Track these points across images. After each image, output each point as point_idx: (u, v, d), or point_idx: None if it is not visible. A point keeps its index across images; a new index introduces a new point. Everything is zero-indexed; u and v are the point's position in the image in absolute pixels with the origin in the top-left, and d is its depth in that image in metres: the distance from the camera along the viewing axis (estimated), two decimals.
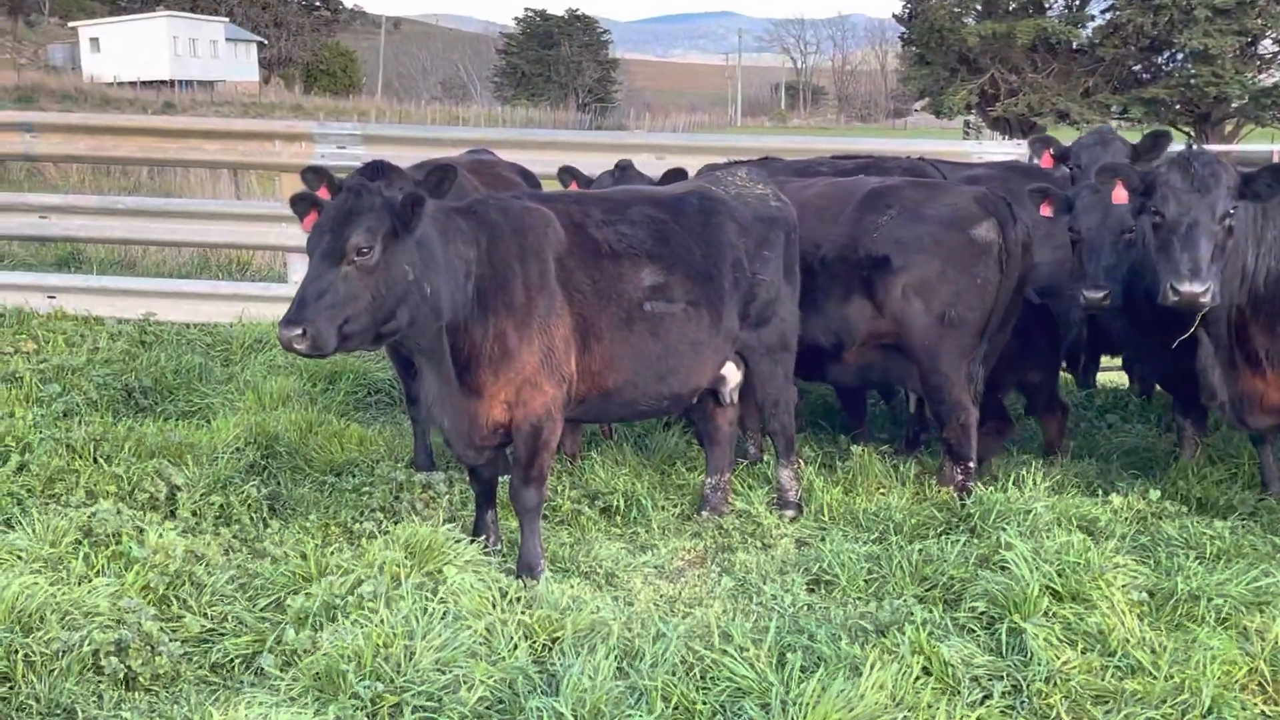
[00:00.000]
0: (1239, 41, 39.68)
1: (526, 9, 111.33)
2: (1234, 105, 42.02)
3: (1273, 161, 7.53)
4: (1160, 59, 45.22)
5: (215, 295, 12.28)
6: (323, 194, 7.32)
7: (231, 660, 5.57)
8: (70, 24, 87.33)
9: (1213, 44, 39.39)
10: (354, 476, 7.86)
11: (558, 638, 5.64)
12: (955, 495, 7.63)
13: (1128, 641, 5.55)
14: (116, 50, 77.63)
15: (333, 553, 6.38)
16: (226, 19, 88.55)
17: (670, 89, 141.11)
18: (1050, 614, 5.81)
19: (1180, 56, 42.82)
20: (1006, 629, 5.71)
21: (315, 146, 12.04)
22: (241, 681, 5.39)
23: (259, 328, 11.40)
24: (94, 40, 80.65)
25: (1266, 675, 5.35)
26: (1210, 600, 5.96)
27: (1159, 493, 7.52)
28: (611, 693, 5.02)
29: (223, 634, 5.78)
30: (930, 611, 6.00)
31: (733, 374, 7.44)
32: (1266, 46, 42.97)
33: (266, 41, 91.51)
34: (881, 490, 7.88)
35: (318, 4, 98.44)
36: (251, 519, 7.25)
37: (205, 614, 5.92)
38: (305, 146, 12.07)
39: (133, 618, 5.57)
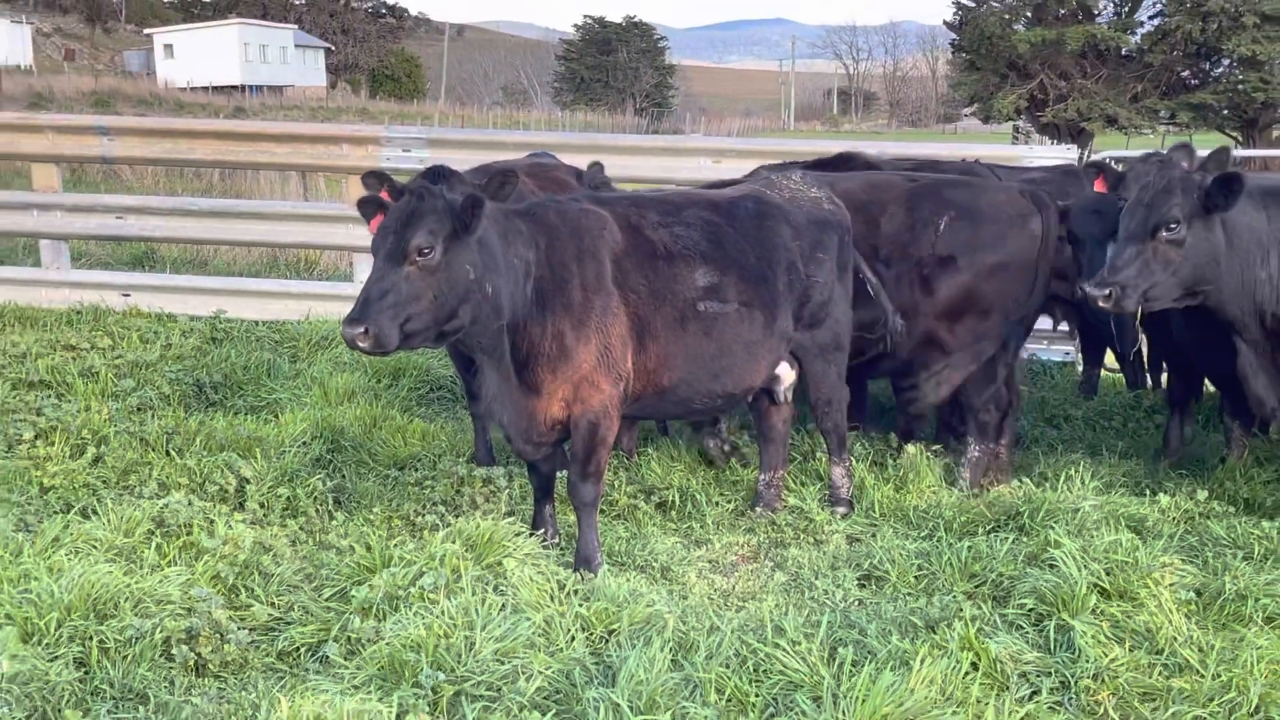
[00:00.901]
0: None
1: (585, 16, 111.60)
2: None
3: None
4: (1208, 65, 44.76)
5: (283, 294, 12.36)
6: (384, 197, 7.37)
7: (297, 648, 5.59)
8: (146, 31, 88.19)
9: (1261, 50, 38.97)
10: (416, 470, 7.90)
11: (614, 630, 5.63)
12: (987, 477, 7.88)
13: (1175, 640, 5.48)
14: (190, 56, 78.26)
15: (396, 545, 6.40)
16: (295, 26, 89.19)
17: (726, 94, 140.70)
18: (1098, 611, 5.74)
19: (1228, 62, 42.38)
20: (1055, 626, 5.65)
21: (381, 149, 12.08)
22: (307, 669, 5.41)
23: (325, 325, 11.47)
24: (168, 47, 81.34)
25: None
26: (1258, 600, 5.89)
27: (1206, 493, 7.43)
28: (667, 685, 5.00)
29: (289, 623, 5.81)
30: (979, 608, 5.95)
31: (787, 374, 7.41)
32: None
33: (334, 48, 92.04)
34: (932, 488, 7.82)
35: (383, 12, 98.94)
36: (317, 511, 7.28)
37: (272, 603, 5.96)
38: (372, 149, 12.12)
39: (203, 606, 5.61)
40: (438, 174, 7.46)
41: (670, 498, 7.61)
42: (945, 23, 51.40)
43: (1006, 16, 45.84)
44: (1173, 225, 6.44)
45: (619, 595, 5.91)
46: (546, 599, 5.87)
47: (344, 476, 7.88)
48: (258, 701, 5.01)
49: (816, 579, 6.53)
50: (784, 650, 5.32)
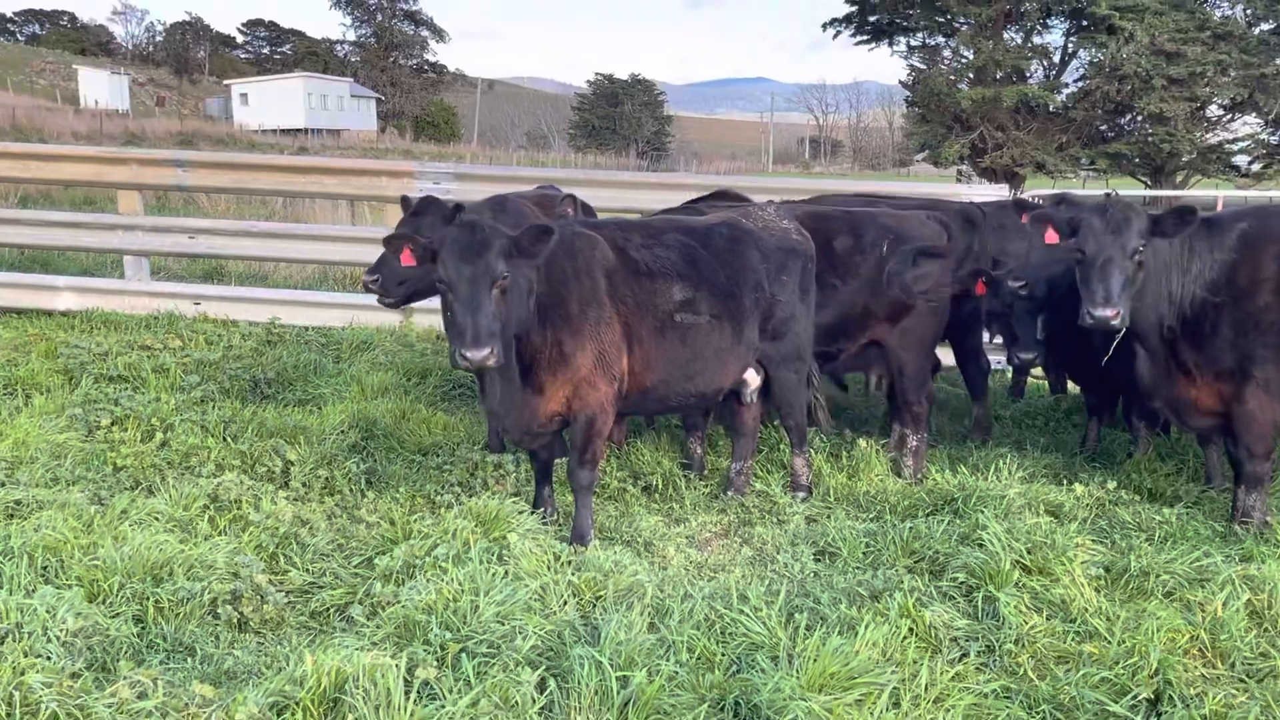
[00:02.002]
0: (1190, 106, 39.31)
1: (596, 73, 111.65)
2: (1184, 159, 41.73)
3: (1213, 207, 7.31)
4: (1123, 120, 44.83)
5: (331, 304, 12.20)
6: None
7: (328, 609, 5.47)
8: (225, 82, 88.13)
9: (1167, 108, 39.09)
10: (438, 456, 7.76)
11: (601, 596, 5.49)
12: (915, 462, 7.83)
13: (1086, 610, 5.35)
14: (261, 104, 78.26)
15: (415, 520, 6.27)
16: (351, 79, 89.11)
17: (714, 141, 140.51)
18: (1020, 585, 5.62)
19: (1140, 118, 42.44)
20: (982, 597, 5.51)
21: (415, 183, 11.94)
22: (334, 627, 5.29)
23: (365, 331, 11.34)
24: (243, 95, 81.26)
25: (1206, 642, 5.11)
26: (1158, 576, 5.75)
27: (1115, 483, 7.30)
28: (644, 645, 4.86)
29: (322, 587, 5.69)
30: (918, 581, 5.82)
31: (753, 378, 7.27)
32: (1213, 111, 42.58)
33: (383, 98, 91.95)
34: (880, 477, 7.69)
35: (426, 68, 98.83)
36: (351, 490, 7.16)
37: (308, 569, 5.84)
38: (407, 182, 11.97)
39: (246, 572, 5.50)
40: (428, 204, 7.39)
41: (655, 482, 7.48)
42: (901, 82, 51.31)
43: (953, 78, 45.95)
44: (1140, 249, 6.35)
45: (605, 566, 5.77)
46: (543, 569, 5.73)
47: (375, 460, 7.73)
48: (290, 655, 4.89)
49: (778, 554, 6.40)
50: (747, 615, 5.19)
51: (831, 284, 7.78)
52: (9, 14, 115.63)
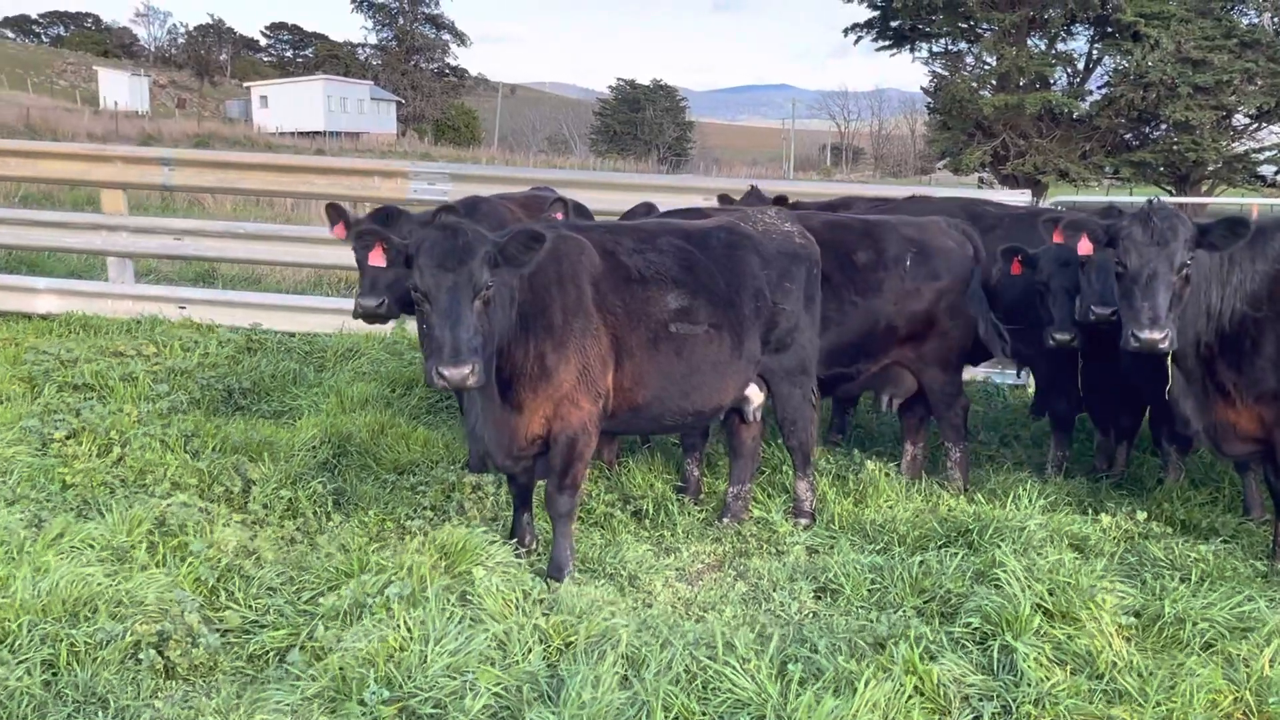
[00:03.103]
0: (1215, 115, 38.70)
1: (619, 78, 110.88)
2: (1209, 169, 41.10)
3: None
4: (1148, 128, 44.25)
5: (322, 309, 11.62)
6: (338, 231, 6.76)
7: (267, 652, 4.89)
8: (245, 84, 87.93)
9: (1193, 117, 38.47)
10: (414, 475, 7.19)
11: (571, 642, 4.89)
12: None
13: (1115, 665, 4.74)
14: (281, 106, 77.80)
15: (375, 550, 5.69)
16: (371, 82, 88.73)
17: (736, 147, 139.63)
18: (1041, 633, 5.01)
19: (1165, 126, 41.88)
20: (999, 647, 4.91)
21: (409, 183, 11.37)
22: (269, 677, 4.69)
23: (352, 338, 10.73)
24: (263, 98, 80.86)
25: (1251, 705, 4.51)
26: (1195, 624, 5.14)
27: (1146, 514, 6.67)
28: (613, 704, 4.29)
29: (264, 626, 5.10)
30: (928, 625, 5.22)
31: (756, 394, 6.68)
32: (1239, 119, 41.99)
33: (404, 101, 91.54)
34: (890, 503, 7.07)
35: (447, 72, 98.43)
36: (315, 513, 6.58)
37: (251, 606, 5.25)
38: (401, 183, 11.41)
39: (176, 609, 4.93)
40: (388, 214, 6.81)
41: (645, 506, 6.88)
42: (922, 88, 50.73)
43: (974, 85, 45.37)
44: (1188, 263, 5.77)
45: (578, 607, 5.18)
46: (511, 609, 5.14)
47: (346, 480, 7.15)
48: (219, 709, 4.32)
49: (774, 590, 5.79)
50: (733, 667, 4.61)
51: (852, 300, 7.19)
52: (34, 16, 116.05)
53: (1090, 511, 6.83)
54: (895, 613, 5.38)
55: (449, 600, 5.07)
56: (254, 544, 5.77)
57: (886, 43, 47.40)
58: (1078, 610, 5.17)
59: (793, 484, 7.01)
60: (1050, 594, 5.28)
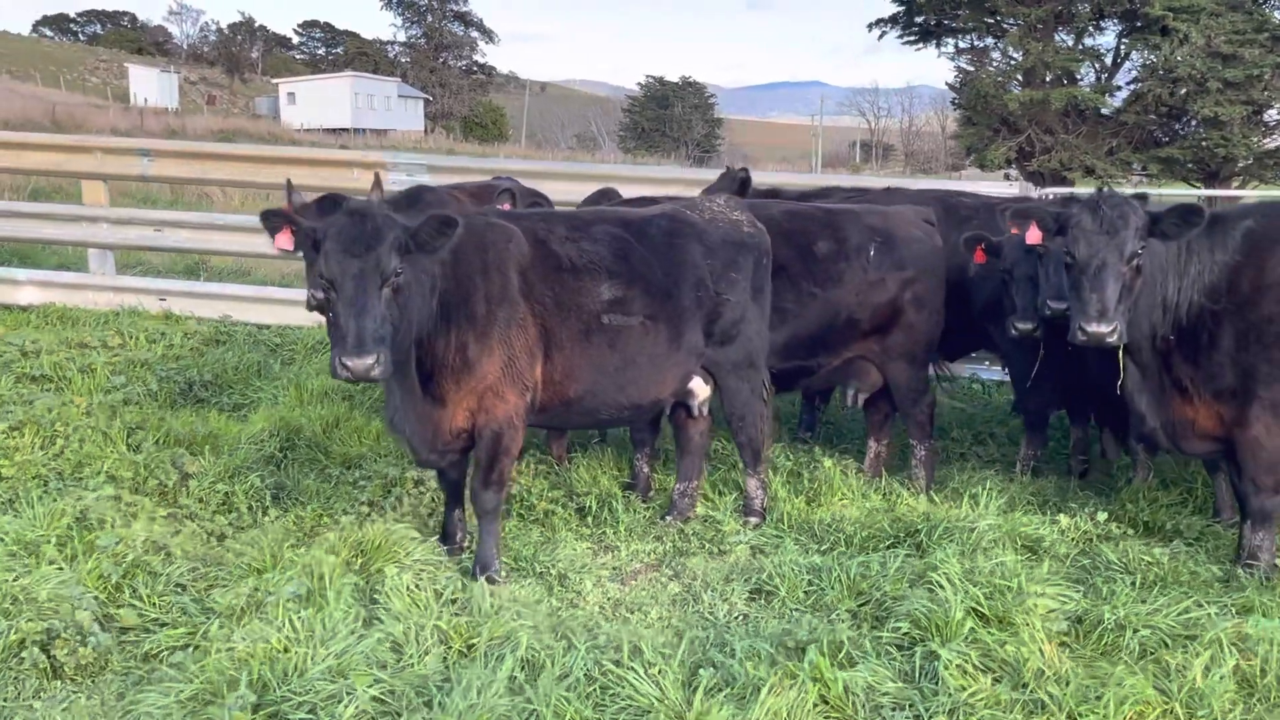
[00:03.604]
0: (1246, 110, 38.05)
1: (648, 75, 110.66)
2: (1240, 165, 40.45)
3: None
4: (1177, 124, 43.63)
5: (297, 301, 11.44)
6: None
7: (162, 651, 4.70)
8: (273, 81, 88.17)
9: (1223, 112, 37.86)
10: (360, 469, 7.01)
11: (474, 644, 4.68)
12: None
13: (1042, 674, 4.48)
14: (309, 103, 77.82)
15: (289, 547, 5.50)
16: (399, 79, 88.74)
17: (766, 144, 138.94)
18: (972, 639, 4.76)
19: (1194, 122, 41.25)
20: (923, 653, 4.67)
21: (388, 174, 11.17)
22: (156, 677, 4.50)
23: (323, 331, 10.56)
24: (291, 94, 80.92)
25: (1180, 717, 4.24)
26: (1136, 631, 4.87)
27: (1106, 514, 6.40)
28: (498, 710, 4.07)
29: (165, 624, 4.92)
30: (857, 629, 4.99)
31: (701, 388, 6.44)
32: (1271, 115, 41.30)
33: (432, 98, 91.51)
34: (844, 502, 6.82)
35: (475, 69, 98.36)
36: (251, 508, 6.40)
37: (156, 603, 5.07)
38: (380, 174, 11.20)
39: (68, 607, 4.74)
40: (333, 201, 6.61)
41: (589, 503, 6.66)
42: (947, 84, 50.15)
43: (1000, 80, 44.92)
44: (1139, 252, 5.51)
45: (483, 608, 4.97)
46: (419, 609, 4.93)
47: (289, 474, 6.98)
48: (96, 710, 4.15)
49: (706, 592, 5.56)
50: (637, 673, 4.38)
51: (810, 291, 6.95)
52: (72, 14, 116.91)
53: (1052, 511, 6.58)
54: (826, 616, 5.17)
55: (351, 600, 4.87)
56: (166, 540, 5.58)
57: (912, 38, 46.96)
58: (1014, 615, 4.92)
59: (743, 481, 6.78)
60: (988, 597, 5.04)
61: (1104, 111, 43.77)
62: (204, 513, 6.27)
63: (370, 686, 4.14)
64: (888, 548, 6.01)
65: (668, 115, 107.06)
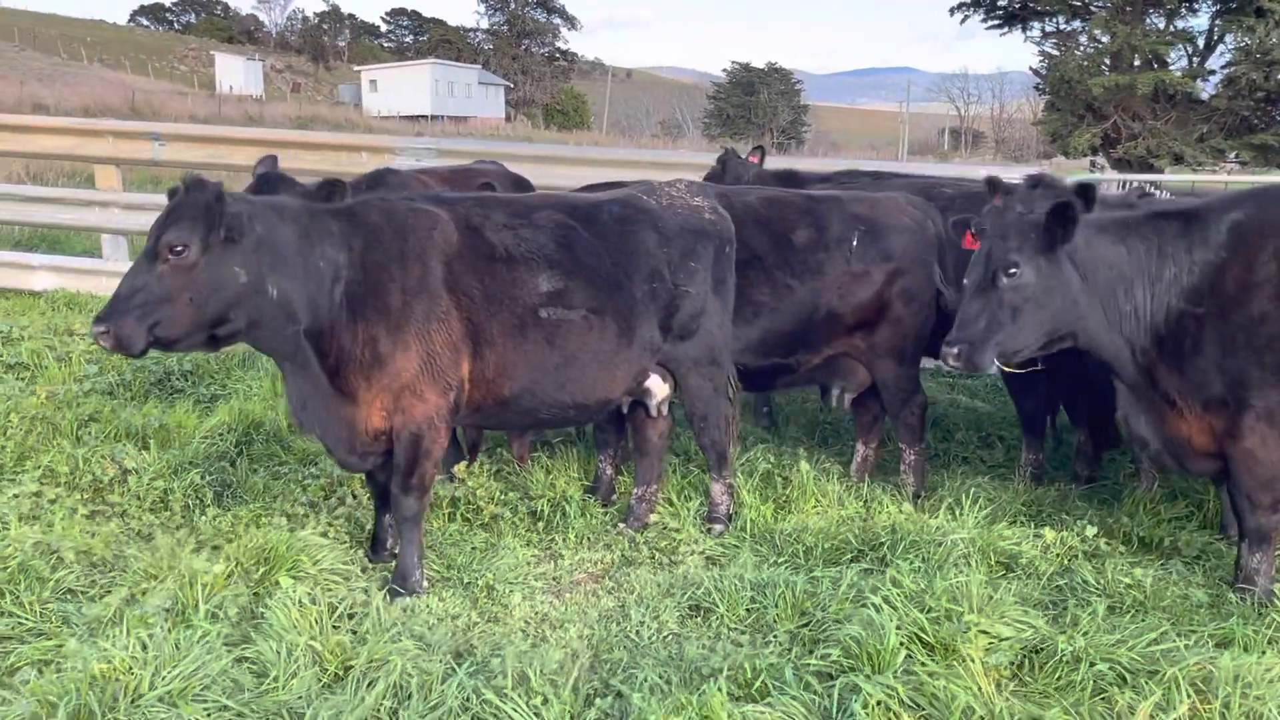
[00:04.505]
0: None
1: (733, 61, 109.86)
2: None
3: None
4: (1273, 109, 42.02)
5: None
6: None
7: (23, 665, 4.38)
8: (356, 68, 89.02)
9: None
10: (315, 467, 6.69)
11: (350, 667, 4.30)
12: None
13: (973, 713, 4.00)
14: (390, 90, 78.42)
15: (189, 552, 5.18)
16: (479, 66, 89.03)
17: (854, 131, 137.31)
18: (906, 671, 4.28)
19: None
20: (843, 686, 4.20)
21: (397, 159, 10.91)
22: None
23: None
24: (373, 82, 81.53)
25: None
26: (1093, 665, 4.35)
27: (1094, 529, 5.85)
28: None
29: (43, 634, 4.61)
30: (786, 654, 4.54)
31: (659, 386, 6.00)
32: None
33: (513, 85, 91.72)
34: (817, 510, 6.35)
35: (557, 56, 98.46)
36: (189, 506, 6.10)
37: (37, 611, 4.76)
38: (388, 158, 10.95)
39: None
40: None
41: (541, 508, 6.26)
42: (1031, 69, 48.95)
43: (1085, 64, 43.63)
44: (1012, 270, 5.02)
45: (375, 626, 4.59)
46: (306, 626, 4.56)
47: (238, 470, 6.66)
48: None
49: (637, 608, 5.12)
50: (517, 704, 3.98)
51: (787, 284, 6.49)
52: (168, 3, 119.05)
53: (1038, 525, 6.04)
54: (763, 637, 4.74)
55: (233, 614, 4.53)
56: (61, 542, 5.27)
57: (997, 22, 45.73)
58: (959, 642, 4.43)
59: (709, 486, 6.33)
60: (933, 624, 4.56)
61: (1195, 96, 42.36)
62: (136, 511, 5.98)
63: (211, 715, 3.78)
64: (850, 561, 5.55)
65: (753, 102, 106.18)
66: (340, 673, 4.27)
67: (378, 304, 5.03)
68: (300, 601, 4.66)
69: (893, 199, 6.82)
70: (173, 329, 4.66)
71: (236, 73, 78.25)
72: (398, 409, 5.13)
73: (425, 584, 5.27)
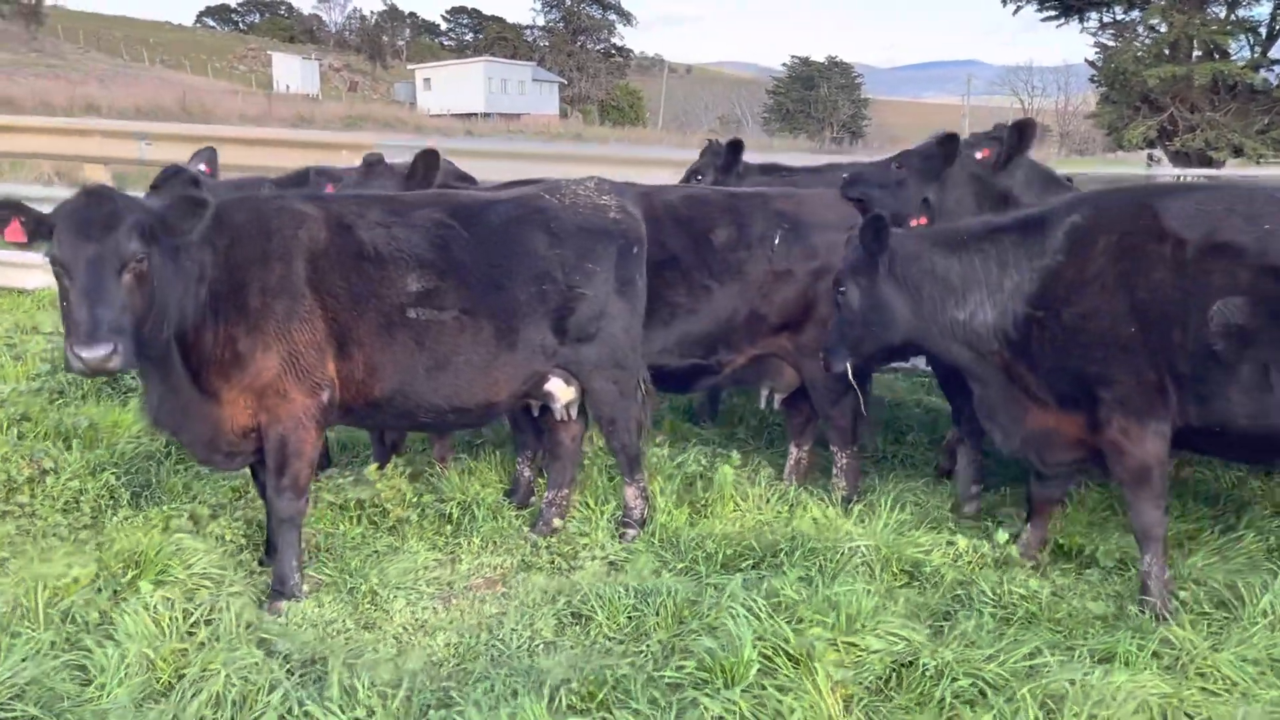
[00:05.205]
0: None
1: (793, 55, 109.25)
2: None
3: None
4: None
5: None
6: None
7: None
8: (410, 66, 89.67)
9: None
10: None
11: (183, 674, 4.25)
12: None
13: None
14: (444, 88, 78.84)
15: (66, 554, 5.17)
16: (533, 63, 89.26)
17: (916, 125, 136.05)
18: (754, 687, 4.16)
19: None
20: (680, 702, 4.09)
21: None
22: None
23: None
24: (427, 80, 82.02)
25: None
26: (955, 681, 4.20)
27: (1007, 536, 5.66)
28: None
29: None
30: (644, 667, 4.43)
31: (562, 390, 5.88)
32: None
33: (567, 82, 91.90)
34: (735, 514, 6.22)
35: (613, 52, 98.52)
36: (99, 507, 6.08)
37: None
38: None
39: None
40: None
41: (451, 511, 6.19)
42: (1087, 60, 48.09)
43: (1141, 55, 42.69)
44: (840, 289, 5.53)
45: (201, 636, 4.52)
46: (155, 633, 4.51)
47: (161, 470, 6.65)
48: None
49: (509, 616, 5.03)
50: (336, 716, 3.91)
51: (704, 284, 6.37)
52: (234, 4, 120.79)
53: (951, 531, 5.87)
54: (638, 647, 4.64)
55: (78, 621, 4.49)
56: None
57: (1052, 13, 44.91)
58: (818, 659, 4.30)
59: (622, 490, 6.22)
60: (797, 635, 4.43)
61: (1256, 87, 41.45)
62: (46, 512, 5.99)
63: None
64: (751, 568, 5.42)
65: (812, 96, 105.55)
66: (172, 681, 4.22)
67: (238, 303, 4.98)
68: (155, 607, 4.62)
69: (820, 195, 6.67)
70: (147, 340, 4.64)
71: (293, 72, 79.12)
72: (262, 408, 5.08)
73: (305, 588, 5.22)
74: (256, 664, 4.33)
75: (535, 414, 6.14)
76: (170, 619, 4.60)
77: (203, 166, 7.41)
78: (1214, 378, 4.69)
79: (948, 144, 6.21)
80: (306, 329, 5.05)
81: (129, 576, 4.95)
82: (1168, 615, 4.86)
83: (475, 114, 72.55)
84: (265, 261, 5.02)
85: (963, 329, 5.23)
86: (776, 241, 6.36)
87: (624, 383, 5.93)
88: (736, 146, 8.23)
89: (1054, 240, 5.03)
